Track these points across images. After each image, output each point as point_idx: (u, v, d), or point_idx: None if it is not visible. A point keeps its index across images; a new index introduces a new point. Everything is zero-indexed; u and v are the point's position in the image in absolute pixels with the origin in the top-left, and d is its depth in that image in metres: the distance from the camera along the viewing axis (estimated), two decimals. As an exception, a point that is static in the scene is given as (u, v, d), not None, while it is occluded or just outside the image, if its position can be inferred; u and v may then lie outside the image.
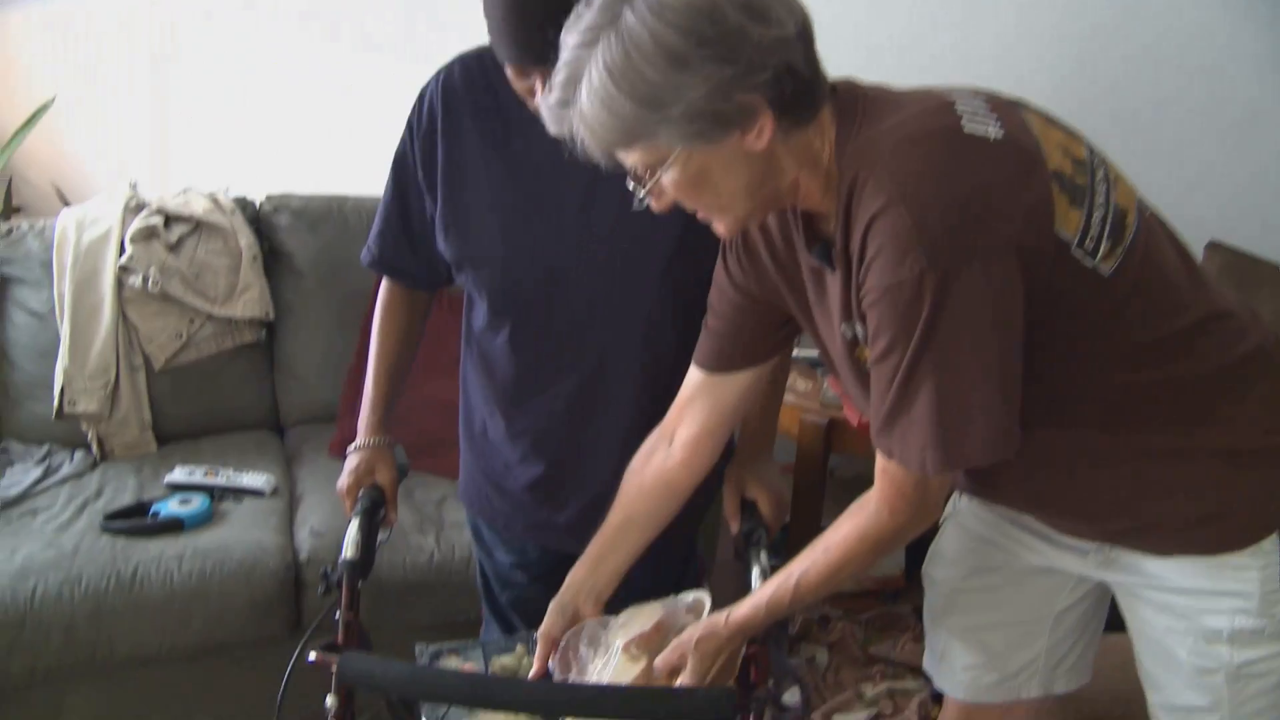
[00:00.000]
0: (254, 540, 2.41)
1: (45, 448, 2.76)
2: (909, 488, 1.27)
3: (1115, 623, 1.59)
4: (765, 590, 1.41)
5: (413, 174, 1.70)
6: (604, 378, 1.69)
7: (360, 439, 1.79)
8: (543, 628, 1.55)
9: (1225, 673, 1.39)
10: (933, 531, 1.72)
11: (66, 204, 3.22)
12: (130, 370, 2.78)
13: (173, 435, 2.85)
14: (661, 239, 1.59)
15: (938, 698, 2.36)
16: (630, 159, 1.23)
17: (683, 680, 1.41)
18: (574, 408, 1.71)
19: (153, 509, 2.45)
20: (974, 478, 1.48)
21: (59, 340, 2.73)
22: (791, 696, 1.46)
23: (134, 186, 2.94)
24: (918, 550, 1.65)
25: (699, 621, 1.45)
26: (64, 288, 2.75)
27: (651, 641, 1.49)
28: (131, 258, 2.75)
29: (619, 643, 1.51)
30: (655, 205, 1.28)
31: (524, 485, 1.79)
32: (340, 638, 1.55)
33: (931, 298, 1.14)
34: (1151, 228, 1.31)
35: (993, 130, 1.19)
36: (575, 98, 1.19)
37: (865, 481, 1.34)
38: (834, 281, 1.30)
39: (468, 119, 1.63)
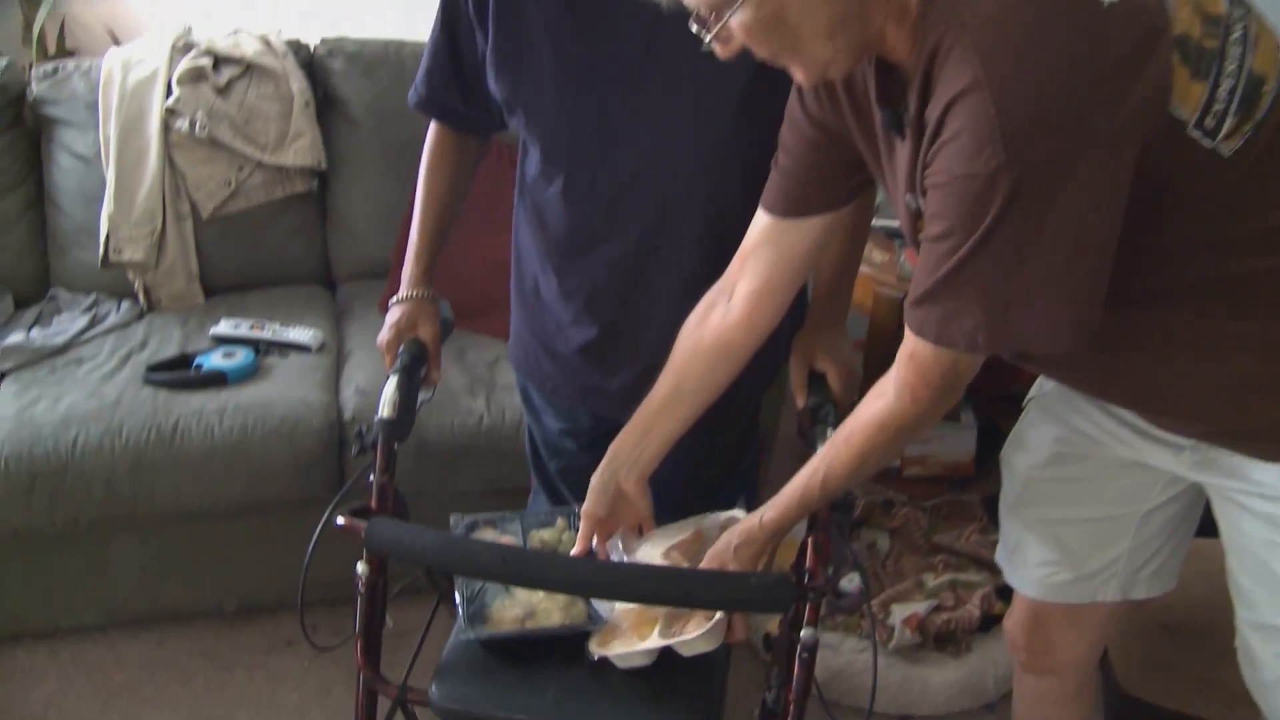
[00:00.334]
0: (298, 397, 2.36)
1: (92, 297, 2.73)
2: (935, 374, 1.17)
3: (1206, 527, 1.48)
4: (794, 488, 1.35)
5: (463, 8, 1.59)
6: (664, 233, 1.59)
7: (403, 291, 1.73)
8: (585, 506, 1.49)
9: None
10: (1012, 415, 1.60)
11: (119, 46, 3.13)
12: (177, 218, 2.71)
13: (220, 287, 2.81)
14: (729, 86, 1.47)
15: (1002, 592, 2.27)
16: None
17: None
18: (630, 266, 1.63)
19: (196, 361, 2.42)
20: (1055, 365, 1.38)
21: (104, 186, 2.67)
22: (850, 583, 1.39)
23: (189, 30, 2.83)
24: (990, 436, 1.52)
25: (733, 528, 1.41)
26: (109, 131, 2.67)
27: (691, 549, 1.44)
28: (179, 100, 2.66)
29: (658, 551, 1.45)
30: (721, 51, 1.17)
31: (575, 348, 1.72)
32: (374, 502, 1.49)
33: (1004, 198, 1.02)
34: None
35: None
36: None
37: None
38: (903, 149, 1.18)
39: None
